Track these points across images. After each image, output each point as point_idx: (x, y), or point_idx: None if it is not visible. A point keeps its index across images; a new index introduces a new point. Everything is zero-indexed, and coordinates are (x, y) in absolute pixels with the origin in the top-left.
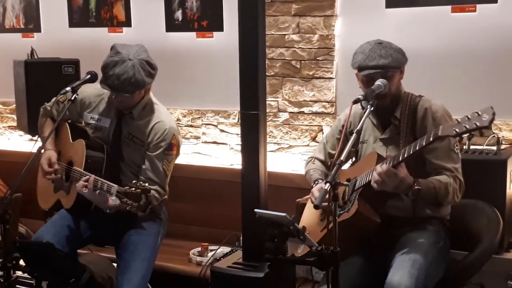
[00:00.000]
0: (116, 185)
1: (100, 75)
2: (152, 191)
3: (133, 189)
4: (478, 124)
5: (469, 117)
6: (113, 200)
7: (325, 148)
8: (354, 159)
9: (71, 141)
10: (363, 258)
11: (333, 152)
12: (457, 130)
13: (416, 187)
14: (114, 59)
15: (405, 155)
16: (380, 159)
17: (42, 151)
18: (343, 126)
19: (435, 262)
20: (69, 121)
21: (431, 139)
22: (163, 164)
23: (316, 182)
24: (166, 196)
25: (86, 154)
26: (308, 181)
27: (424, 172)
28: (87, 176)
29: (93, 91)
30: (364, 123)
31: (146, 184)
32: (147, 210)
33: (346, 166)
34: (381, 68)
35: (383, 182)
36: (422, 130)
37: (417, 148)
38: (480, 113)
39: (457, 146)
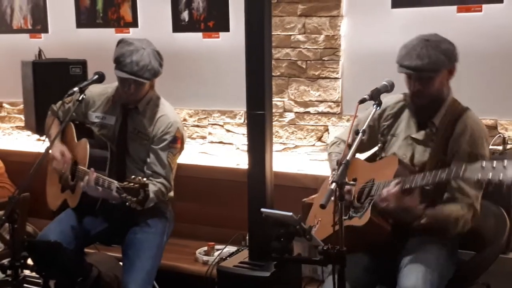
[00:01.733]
0: (115, 182)
1: (108, 75)
2: (158, 185)
3: (132, 184)
4: (501, 178)
5: (494, 166)
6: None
7: (348, 135)
8: (381, 145)
9: (76, 141)
10: (369, 256)
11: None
12: (479, 177)
13: (422, 221)
14: (129, 49)
15: (419, 183)
16: (401, 167)
17: (50, 151)
18: (378, 116)
19: (446, 264)
20: (76, 122)
21: (451, 175)
22: (167, 157)
23: (334, 171)
24: (172, 192)
25: (90, 153)
26: (329, 164)
27: (443, 189)
28: (89, 172)
29: (96, 90)
30: (402, 117)
31: (144, 179)
32: (146, 204)
33: (363, 155)
34: (413, 70)
35: (387, 205)
36: (455, 145)
37: (436, 179)
38: (506, 165)
39: None
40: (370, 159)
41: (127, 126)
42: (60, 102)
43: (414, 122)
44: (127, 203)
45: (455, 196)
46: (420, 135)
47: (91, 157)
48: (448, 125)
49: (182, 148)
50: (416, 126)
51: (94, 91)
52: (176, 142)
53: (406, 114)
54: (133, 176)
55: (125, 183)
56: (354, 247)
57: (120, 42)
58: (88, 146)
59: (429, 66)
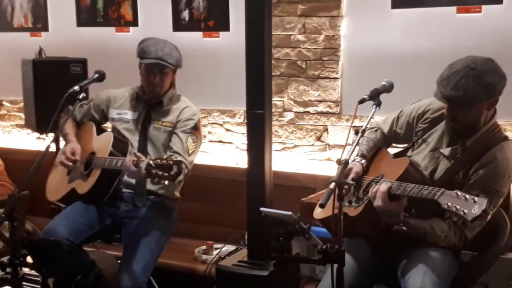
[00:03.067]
0: (146, 159)
1: (108, 73)
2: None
3: (165, 161)
4: (464, 214)
5: (466, 198)
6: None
7: (393, 123)
8: (411, 145)
9: (96, 135)
10: (371, 247)
11: (399, 131)
12: (448, 205)
13: (400, 227)
14: (152, 41)
15: (405, 193)
16: (407, 172)
17: (63, 145)
18: (418, 115)
19: (450, 265)
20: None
21: (428, 197)
22: (187, 140)
23: (356, 158)
24: (178, 192)
25: (112, 144)
26: (359, 146)
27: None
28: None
29: (119, 91)
30: (438, 127)
31: (179, 158)
32: (177, 180)
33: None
34: (446, 99)
35: (375, 199)
36: (476, 173)
37: (418, 196)
38: (475, 200)
39: (494, 208)
40: (399, 154)
41: (151, 118)
42: (78, 104)
43: (446, 137)
44: (155, 180)
45: (449, 218)
46: (447, 151)
47: (113, 146)
48: (478, 151)
49: (200, 142)
50: (447, 141)
51: (116, 92)
52: (197, 131)
53: (443, 125)
54: (166, 155)
55: (157, 160)
56: (348, 234)
57: (142, 40)
58: (112, 138)
59: (463, 100)
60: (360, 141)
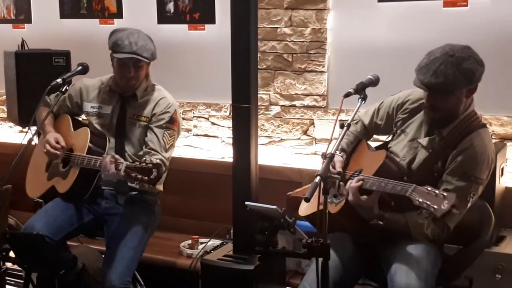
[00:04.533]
0: (125, 162)
1: (92, 66)
2: (157, 161)
3: (144, 164)
4: (433, 210)
5: (437, 193)
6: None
7: (374, 115)
8: (390, 138)
9: (73, 130)
10: (354, 242)
11: (379, 122)
12: (419, 201)
13: (376, 222)
14: (125, 33)
15: (378, 188)
16: (384, 165)
17: (42, 136)
18: (397, 106)
19: (435, 260)
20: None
21: (396, 192)
22: (163, 136)
23: (335, 152)
24: (161, 185)
25: (90, 140)
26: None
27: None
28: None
29: (91, 82)
30: (417, 117)
31: (158, 160)
32: (157, 183)
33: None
34: (426, 86)
35: (349, 194)
36: (454, 160)
37: (392, 192)
38: (445, 196)
39: (473, 196)
40: (381, 147)
41: (126, 112)
42: (54, 94)
43: (425, 127)
44: (135, 183)
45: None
46: (424, 141)
47: (90, 143)
48: (455, 139)
49: (178, 133)
50: (425, 131)
51: (90, 83)
52: (173, 124)
53: (421, 115)
54: (144, 158)
55: (136, 163)
56: (331, 229)
57: (113, 31)
58: (89, 133)
59: (443, 86)
60: (341, 132)
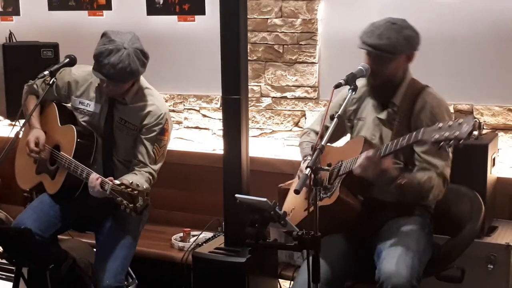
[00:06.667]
0: (110, 182)
1: (80, 58)
2: (145, 174)
3: (130, 190)
4: (457, 134)
5: (450, 124)
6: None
7: (323, 119)
8: (349, 134)
9: (59, 125)
10: (346, 241)
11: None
12: (436, 137)
13: (399, 181)
14: (109, 47)
15: (387, 151)
16: (366, 144)
17: (28, 126)
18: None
19: (425, 249)
20: (56, 102)
21: (411, 141)
22: (153, 148)
23: (305, 158)
24: (154, 180)
25: (77, 142)
26: (300, 152)
27: (413, 162)
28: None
29: (81, 74)
30: (367, 101)
31: (144, 186)
32: (144, 212)
33: (337, 144)
34: (370, 47)
35: (366, 167)
36: (417, 122)
37: (398, 146)
38: (461, 122)
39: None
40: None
41: (113, 116)
42: (40, 78)
43: (377, 103)
44: (122, 208)
45: (424, 167)
46: (383, 115)
47: (77, 146)
48: (409, 104)
49: (168, 140)
50: (380, 107)
51: (79, 74)
52: (164, 134)
53: (368, 97)
54: (131, 181)
55: (122, 187)
56: (327, 229)
57: (103, 35)
58: (75, 135)
59: (387, 47)
60: (300, 146)
